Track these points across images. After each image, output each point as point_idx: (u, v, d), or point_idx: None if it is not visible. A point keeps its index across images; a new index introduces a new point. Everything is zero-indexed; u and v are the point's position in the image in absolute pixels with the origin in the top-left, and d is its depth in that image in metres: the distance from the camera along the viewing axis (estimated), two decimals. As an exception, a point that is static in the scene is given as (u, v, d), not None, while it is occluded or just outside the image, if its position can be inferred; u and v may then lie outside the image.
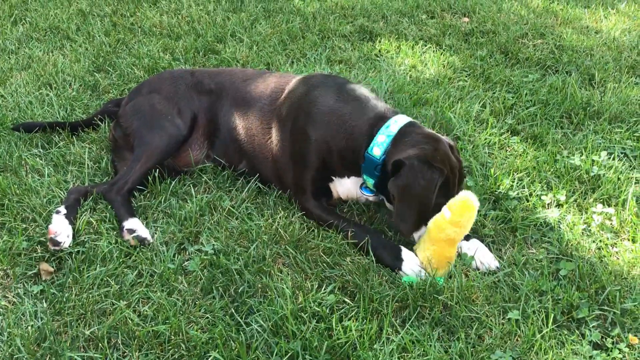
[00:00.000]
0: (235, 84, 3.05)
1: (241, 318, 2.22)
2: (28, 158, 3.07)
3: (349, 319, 2.20)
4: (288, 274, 2.42)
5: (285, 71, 4.01)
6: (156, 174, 2.83)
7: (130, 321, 2.19)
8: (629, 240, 2.67)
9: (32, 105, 3.55)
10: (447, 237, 2.40)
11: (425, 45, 4.48)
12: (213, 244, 2.54)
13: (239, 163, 2.98)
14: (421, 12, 5.09)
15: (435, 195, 2.40)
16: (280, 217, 2.69)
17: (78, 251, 2.50)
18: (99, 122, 3.32)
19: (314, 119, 2.71)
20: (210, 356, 2.04)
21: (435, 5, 5.18)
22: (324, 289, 2.34)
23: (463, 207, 2.40)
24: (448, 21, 4.90)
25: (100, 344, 2.12)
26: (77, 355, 2.07)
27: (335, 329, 2.14)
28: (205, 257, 2.48)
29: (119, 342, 2.14)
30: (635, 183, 3.00)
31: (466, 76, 4.08)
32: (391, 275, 2.45)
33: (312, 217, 2.72)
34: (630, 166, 3.16)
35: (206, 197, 2.83)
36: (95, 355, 2.08)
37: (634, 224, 2.73)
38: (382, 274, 2.45)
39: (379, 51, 4.42)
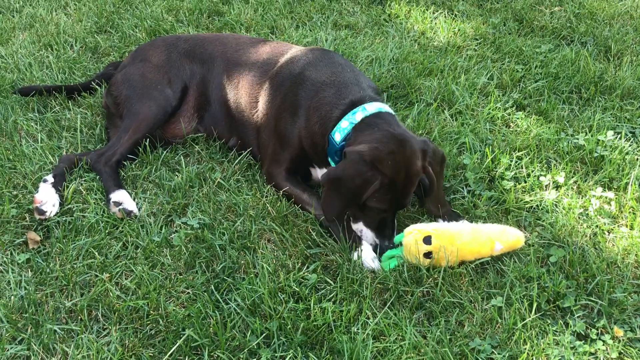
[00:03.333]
0: (227, 54, 2.96)
1: (221, 295, 2.22)
2: (23, 122, 3.07)
3: (328, 300, 2.18)
4: (273, 251, 2.41)
5: (289, 36, 3.90)
6: (147, 143, 2.81)
7: (111, 294, 2.20)
8: (626, 226, 2.58)
9: (31, 67, 3.52)
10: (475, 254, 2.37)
11: (437, 11, 4.32)
12: (199, 218, 2.53)
13: (229, 139, 2.94)
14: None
15: (367, 196, 2.31)
16: (268, 192, 2.66)
17: (65, 220, 2.51)
18: (97, 86, 3.29)
19: (300, 103, 2.62)
20: (184, 334, 2.04)
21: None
22: (307, 267, 2.33)
23: (514, 245, 2.40)
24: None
25: (80, 316, 2.14)
26: (57, 327, 2.10)
27: (313, 310, 2.13)
28: (190, 231, 2.47)
29: (99, 314, 2.16)
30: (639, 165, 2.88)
31: (476, 45, 3.93)
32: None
33: (281, 188, 2.62)
34: (638, 147, 3.03)
35: (197, 168, 2.80)
36: (75, 327, 2.11)
37: (634, 209, 2.64)
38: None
39: (389, 16, 4.28)
